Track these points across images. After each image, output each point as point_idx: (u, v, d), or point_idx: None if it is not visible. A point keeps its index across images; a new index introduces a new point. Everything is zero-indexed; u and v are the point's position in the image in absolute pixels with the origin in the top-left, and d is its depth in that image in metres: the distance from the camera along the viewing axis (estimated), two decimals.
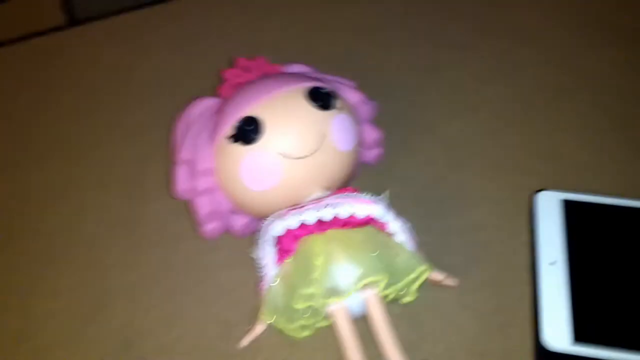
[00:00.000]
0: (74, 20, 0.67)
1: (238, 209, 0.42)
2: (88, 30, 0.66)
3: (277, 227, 0.37)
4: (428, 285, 0.41)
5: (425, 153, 0.51)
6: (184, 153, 0.41)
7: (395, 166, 0.49)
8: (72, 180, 0.51)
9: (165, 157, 0.50)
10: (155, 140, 0.52)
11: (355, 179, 0.46)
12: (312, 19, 0.65)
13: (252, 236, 0.41)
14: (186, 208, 0.47)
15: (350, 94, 0.44)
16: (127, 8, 0.68)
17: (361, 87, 0.46)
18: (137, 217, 0.48)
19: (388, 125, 0.51)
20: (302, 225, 0.37)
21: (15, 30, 0.66)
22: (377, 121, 0.47)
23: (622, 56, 0.58)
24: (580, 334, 0.37)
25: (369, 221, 0.37)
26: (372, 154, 0.47)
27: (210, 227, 0.42)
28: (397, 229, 0.38)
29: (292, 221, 0.36)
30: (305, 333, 0.37)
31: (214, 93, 0.46)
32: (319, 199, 0.38)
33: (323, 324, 0.38)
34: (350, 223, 0.37)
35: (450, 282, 0.40)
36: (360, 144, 0.45)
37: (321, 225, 0.37)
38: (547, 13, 0.64)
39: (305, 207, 0.37)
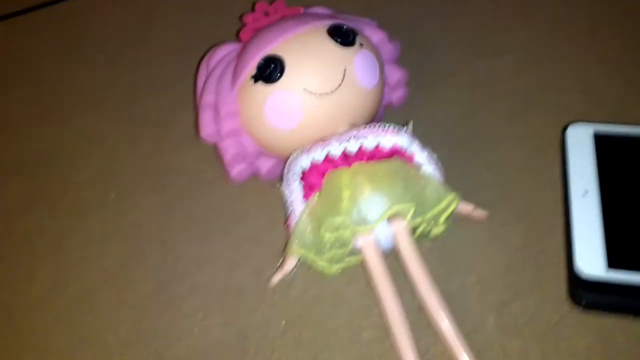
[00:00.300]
0: None
1: (264, 150, 0.42)
2: None
3: (303, 160, 0.37)
4: (457, 219, 0.41)
5: (451, 94, 0.50)
6: (207, 97, 0.42)
7: (421, 108, 0.49)
8: (102, 133, 0.52)
9: (192, 108, 0.51)
10: (183, 92, 0.53)
11: (380, 120, 0.46)
12: None
13: (279, 179, 0.42)
14: (213, 156, 0.47)
15: (372, 33, 0.44)
16: None
17: (385, 29, 0.45)
18: (165, 167, 0.48)
19: (412, 67, 0.50)
20: (328, 159, 0.37)
21: None
22: (401, 63, 0.47)
23: None
24: (614, 260, 0.36)
25: (395, 152, 0.37)
26: (396, 95, 0.46)
27: (237, 169, 0.42)
28: (424, 160, 0.37)
29: (317, 154, 0.36)
30: (335, 268, 0.38)
31: (235, 40, 0.46)
32: (344, 133, 0.37)
33: (353, 261, 0.39)
34: (376, 155, 0.37)
35: (480, 214, 0.39)
36: (385, 84, 0.44)
37: (347, 158, 0.37)
38: None
39: (330, 140, 0.37)
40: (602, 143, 0.42)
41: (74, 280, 0.42)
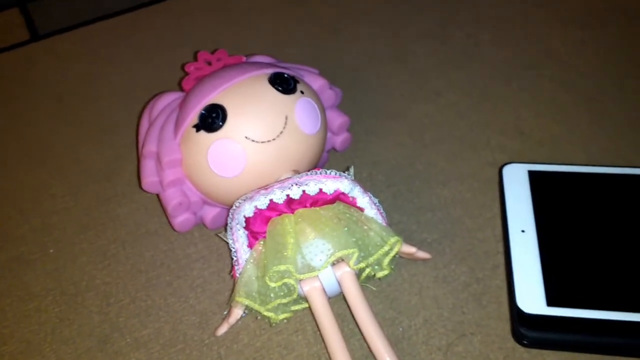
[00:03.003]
0: (37, 36, 0.67)
1: (207, 199, 0.41)
2: (53, 43, 0.66)
3: (246, 209, 0.37)
4: (402, 261, 0.41)
5: (393, 137, 0.51)
6: (148, 147, 0.41)
7: (364, 151, 0.50)
8: (44, 184, 0.50)
9: (135, 158, 0.50)
10: (126, 142, 0.52)
11: (324, 164, 0.47)
12: (277, 17, 0.66)
13: (223, 228, 0.41)
14: (157, 206, 0.47)
15: (313, 80, 0.45)
16: (87, 21, 0.68)
17: (327, 78, 0.46)
18: (108, 218, 0.47)
19: (355, 113, 0.51)
20: (272, 206, 0.37)
21: None
22: (344, 109, 0.48)
23: (580, 36, 0.60)
24: (553, 298, 0.37)
25: (337, 197, 0.37)
26: (339, 139, 0.47)
27: (180, 219, 0.42)
28: (366, 203, 0.38)
29: (260, 202, 0.36)
30: (283, 316, 0.37)
31: (178, 89, 0.46)
32: (286, 180, 0.38)
33: (300, 307, 0.38)
34: (319, 200, 0.37)
35: (423, 255, 0.40)
36: (327, 129, 0.45)
37: (290, 204, 0.37)
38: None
39: (273, 187, 0.37)
40: (537, 182, 0.44)
41: (11, 337, 0.40)
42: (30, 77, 0.62)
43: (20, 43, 0.66)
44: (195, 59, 0.44)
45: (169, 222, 0.43)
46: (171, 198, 0.41)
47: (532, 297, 0.37)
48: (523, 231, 0.41)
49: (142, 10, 0.69)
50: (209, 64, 0.44)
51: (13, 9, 0.71)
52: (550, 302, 0.37)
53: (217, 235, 0.43)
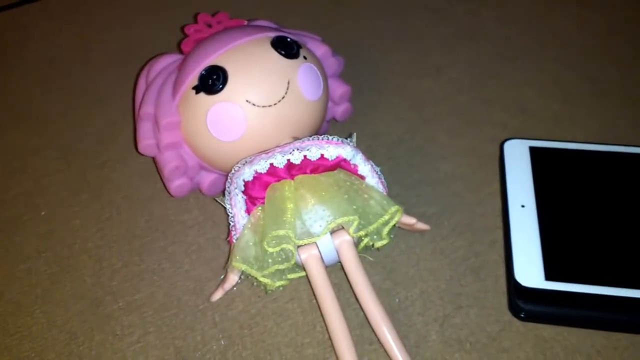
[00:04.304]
0: None
1: (205, 163, 0.41)
2: (45, 5, 0.64)
3: (245, 173, 0.36)
4: (400, 233, 0.41)
5: (395, 111, 0.51)
6: (145, 109, 0.40)
7: (365, 123, 0.49)
8: (35, 147, 0.49)
9: (131, 122, 0.49)
10: (122, 107, 0.51)
11: (324, 134, 0.46)
12: None
13: (221, 193, 0.40)
14: (153, 170, 0.46)
15: (316, 47, 0.44)
16: None
17: (329, 45, 0.46)
18: (102, 182, 0.46)
19: (358, 84, 0.51)
20: (271, 171, 0.36)
21: None
22: (346, 80, 0.47)
23: (586, 16, 0.59)
24: (551, 272, 0.37)
25: (338, 164, 0.37)
26: (340, 109, 0.46)
27: (177, 184, 0.41)
28: (368, 172, 0.37)
29: (260, 166, 0.36)
30: (279, 283, 0.37)
31: (177, 51, 0.45)
32: (286, 145, 0.37)
33: (296, 275, 0.38)
34: (319, 167, 0.36)
35: (422, 226, 0.40)
36: (329, 98, 0.44)
37: (290, 170, 0.36)
38: None
39: (274, 151, 0.36)
40: (538, 158, 0.44)
41: (0, 298, 0.39)
42: (22, 40, 0.60)
43: (12, 4, 0.65)
44: (196, 21, 0.43)
45: (165, 186, 0.42)
46: (168, 161, 0.40)
47: (530, 270, 0.37)
48: (523, 206, 0.40)
49: None
50: (209, 26, 0.43)
51: None
52: (549, 277, 0.37)
53: (214, 199, 0.42)
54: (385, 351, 0.34)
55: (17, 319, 0.38)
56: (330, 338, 0.35)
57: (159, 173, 0.43)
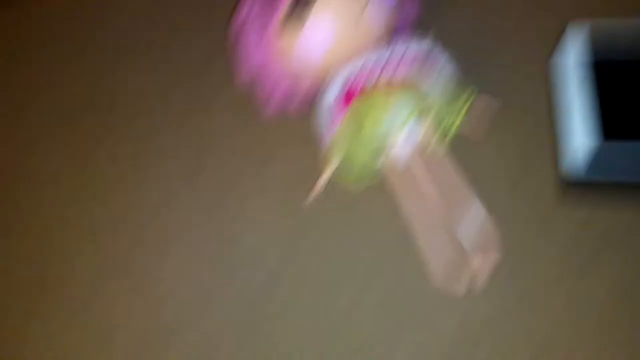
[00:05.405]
0: None
1: (299, 79, 0.47)
2: None
3: (336, 83, 0.42)
4: (465, 131, 0.46)
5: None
6: (245, 38, 0.47)
7: (435, 19, 0.52)
8: (143, 83, 0.55)
9: (225, 56, 0.54)
10: (217, 40, 0.56)
11: (400, 33, 0.49)
12: None
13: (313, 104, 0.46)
14: (250, 99, 0.51)
15: None
16: None
17: None
18: (204, 109, 0.53)
19: None
20: (359, 78, 0.42)
21: None
22: None
23: None
24: (609, 131, 0.40)
25: (418, 60, 0.42)
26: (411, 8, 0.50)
27: (275, 100, 0.48)
28: (444, 64, 0.43)
29: (349, 74, 0.42)
30: (366, 179, 0.44)
31: None
32: (371, 54, 0.43)
33: (378, 174, 0.44)
34: (401, 67, 0.42)
35: (490, 108, 0.45)
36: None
37: (377, 74, 0.42)
38: None
39: (360, 61, 0.42)
40: (598, 35, 0.46)
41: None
42: None
43: None
44: None
45: (263, 105, 0.48)
46: (267, 83, 0.47)
47: (587, 131, 0.41)
48: (582, 79, 0.43)
49: None
50: None
51: None
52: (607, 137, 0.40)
53: (307, 111, 0.48)
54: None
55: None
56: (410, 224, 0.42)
57: (256, 95, 0.49)
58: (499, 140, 0.46)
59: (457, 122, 0.42)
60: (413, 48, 0.42)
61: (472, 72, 0.48)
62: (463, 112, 0.42)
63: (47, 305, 0.45)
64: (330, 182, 0.45)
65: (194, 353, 0.42)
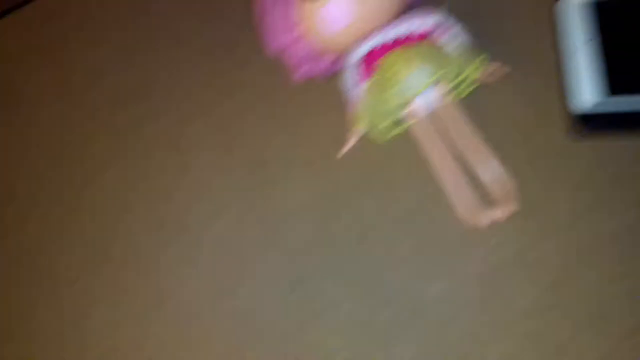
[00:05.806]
0: None
1: (323, 50, 0.51)
2: None
3: (360, 49, 0.47)
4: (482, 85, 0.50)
5: None
6: (271, 14, 0.51)
7: None
8: (172, 61, 0.60)
9: (251, 30, 0.56)
10: (244, 16, 0.58)
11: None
12: None
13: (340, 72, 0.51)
14: (278, 68, 0.55)
15: None
16: None
17: None
18: (234, 81, 0.57)
19: None
20: (382, 45, 0.47)
21: None
22: None
23: None
24: (615, 87, 0.46)
25: (435, 30, 0.47)
26: None
27: (302, 70, 0.52)
28: (459, 32, 0.48)
29: (372, 42, 0.47)
30: (392, 133, 0.48)
31: None
32: (391, 23, 0.47)
33: (403, 128, 0.49)
34: (420, 36, 0.47)
35: (502, 70, 0.49)
36: None
37: (398, 42, 0.47)
38: None
39: (381, 30, 0.47)
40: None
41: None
42: None
43: None
44: None
45: (292, 73, 0.53)
46: (294, 54, 0.51)
47: (593, 88, 0.46)
48: (589, 39, 0.48)
49: None
50: None
51: None
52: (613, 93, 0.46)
53: (333, 77, 0.52)
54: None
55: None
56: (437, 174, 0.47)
57: (284, 66, 0.53)
58: (510, 90, 0.51)
59: (473, 78, 0.47)
60: (430, 18, 0.46)
61: (482, 29, 0.51)
62: (478, 69, 0.46)
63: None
64: (360, 138, 0.50)
65: (240, 315, 0.48)
